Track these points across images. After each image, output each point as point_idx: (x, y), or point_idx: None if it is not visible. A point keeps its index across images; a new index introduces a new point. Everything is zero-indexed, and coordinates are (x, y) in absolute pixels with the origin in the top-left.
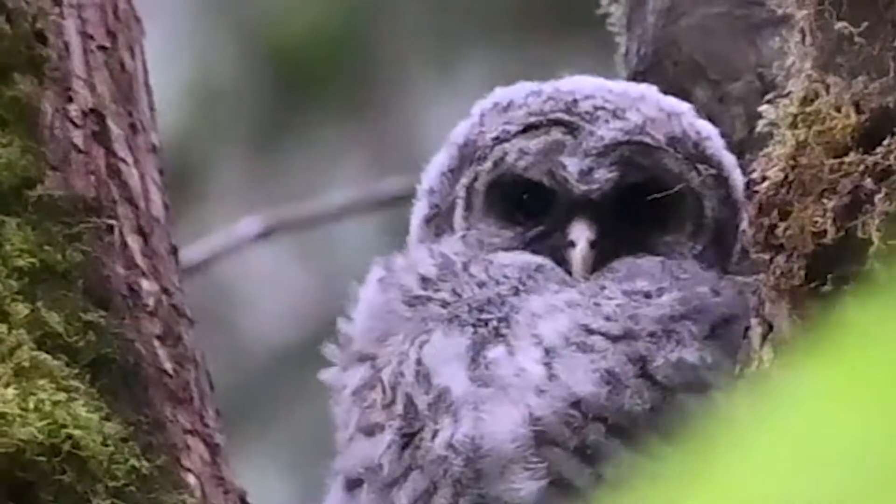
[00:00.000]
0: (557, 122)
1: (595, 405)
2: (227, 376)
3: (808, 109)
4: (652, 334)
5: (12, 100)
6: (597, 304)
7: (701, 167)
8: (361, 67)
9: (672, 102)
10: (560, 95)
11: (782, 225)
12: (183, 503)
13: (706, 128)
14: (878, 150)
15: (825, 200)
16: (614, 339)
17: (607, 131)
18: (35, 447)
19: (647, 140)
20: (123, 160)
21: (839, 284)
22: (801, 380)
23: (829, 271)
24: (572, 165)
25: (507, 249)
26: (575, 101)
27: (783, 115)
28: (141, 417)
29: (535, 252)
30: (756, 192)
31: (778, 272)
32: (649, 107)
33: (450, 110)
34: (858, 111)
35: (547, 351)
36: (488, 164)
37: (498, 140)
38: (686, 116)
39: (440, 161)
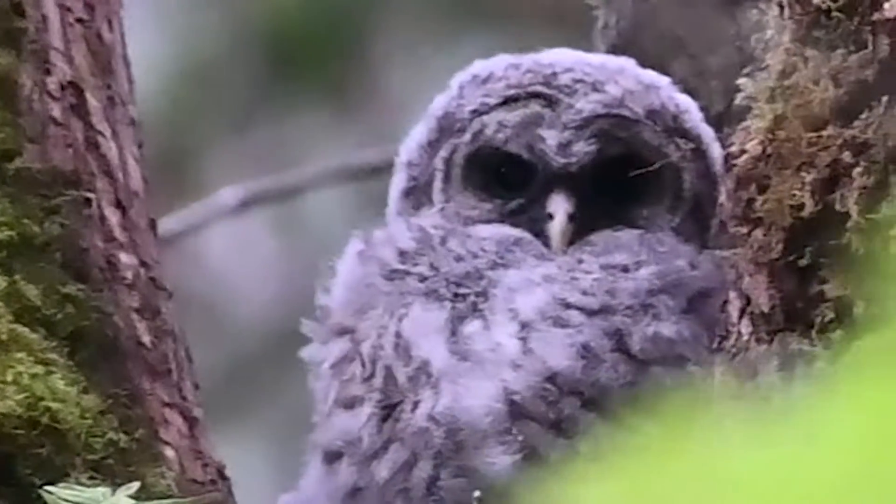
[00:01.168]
0: (536, 95)
1: (570, 379)
2: (207, 351)
3: (786, 83)
4: (629, 308)
5: None
6: (574, 279)
7: (679, 140)
8: (347, 42)
9: (651, 76)
10: (539, 68)
11: (760, 198)
12: (161, 476)
13: (685, 101)
14: (857, 123)
15: (803, 174)
16: (591, 313)
17: (586, 104)
18: (13, 420)
19: (626, 113)
20: (101, 133)
21: (817, 258)
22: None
23: (807, 245)
24: (551, 138)
25: (485, 222)
26: (554, 73)
27: (761, 88)
28: (119, 390)
29: (513, 225)
30: (734, 165)
31: (756, 245)
32: (628, 80)
33: (436, 86)
34: (836, 85)
35: (523, 325)
36: (467, 137)
37: (477, 113)
38: (665, 90)
39: (419, 133)
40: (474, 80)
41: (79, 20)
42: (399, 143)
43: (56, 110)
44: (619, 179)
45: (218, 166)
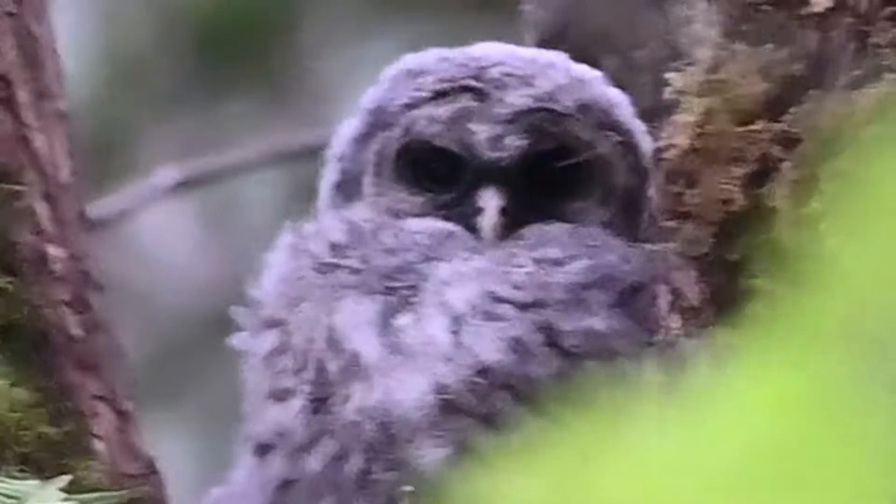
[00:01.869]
0: (467, 89)
1: (502, 373)
2: (136, 340)
3: (715, 77)
4: (560, 302)
5: None
6: (506, 273)
7: (610, 134)
8: (277, 28)
9: (581, 69)
10: (469, 62)
11: (690, 192)
12: (92, 469)
13: (616, 95)
14: (786, 117)
15: (733, 168)
16: (522, 307)
17: (517, 98)
18: None
19: (557, 107)
20: (31, 127)
21: (747, 252)
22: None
23: (736, 239)
24: (481, 132)
25: (417, 216)
26: (484, 67)
27: (690, 82)
28: (50, 384)
29: (445, 219)
30: (664, 159)
31: (686, 240)
32: (559, 74)
33: (367, 75)
34: (765, 79)
35: (454, 319)
36: (398, 131)
37: (407, 107)
38: (595, 83)
39: (350, 127)
40: (405, 74)
41: (8, 14)
42: (329, 129)
43: None
44: (551, 173)
45: (147, 152)
